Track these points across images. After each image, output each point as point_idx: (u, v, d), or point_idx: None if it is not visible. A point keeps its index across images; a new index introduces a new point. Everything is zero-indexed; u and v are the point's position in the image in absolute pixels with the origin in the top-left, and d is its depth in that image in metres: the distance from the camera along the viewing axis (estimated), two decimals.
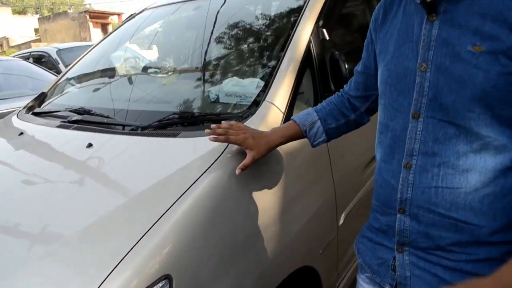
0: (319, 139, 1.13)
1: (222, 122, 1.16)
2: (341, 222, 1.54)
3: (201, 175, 1.10)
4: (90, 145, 1.38)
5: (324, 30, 1.56)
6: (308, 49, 1.48)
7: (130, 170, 1.24)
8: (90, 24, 21.03)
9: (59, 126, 1.62)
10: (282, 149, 1.25)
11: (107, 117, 1.55)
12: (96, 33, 20.98)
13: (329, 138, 1.15)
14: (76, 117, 1.62)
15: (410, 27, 0.87)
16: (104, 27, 21.69)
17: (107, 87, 1.98)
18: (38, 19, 25.33)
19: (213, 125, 1.13)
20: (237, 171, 1.11)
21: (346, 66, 1.47)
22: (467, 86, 0.77)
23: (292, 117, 1.17)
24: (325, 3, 1.63)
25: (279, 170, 1.27)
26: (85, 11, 21.73)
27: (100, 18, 21.87)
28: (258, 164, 1.15)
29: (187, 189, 1.06)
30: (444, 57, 0.80)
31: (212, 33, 1.84)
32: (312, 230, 1.38)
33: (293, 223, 1.29)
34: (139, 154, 1.31)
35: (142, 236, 0.95)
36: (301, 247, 1.34)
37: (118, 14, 22.02)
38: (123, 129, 1.46)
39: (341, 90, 1.16)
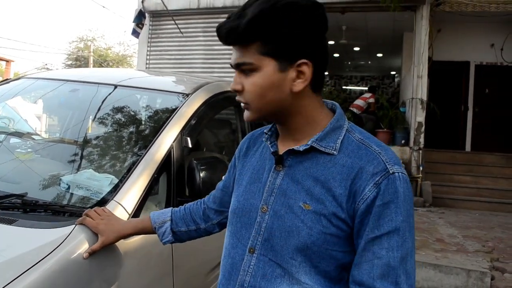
0: (166, 238, 1.20)
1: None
2: None
3: (25, 271, 1.06)
4: None
5: (188, 139, 1.69)
6: (168, 154, 1.58)
7: None
8: None
9: None
10: (123, 244, 1.28)
11: None
12: None
13: (177, 240, 1.22)
14: None
15: (262, 169, 0.97)
16: None
17: None
18: None
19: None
20: (85, 255, 1.15)
21: (201, 175, 1.59)
22: (293, 236, 0.86)
23: (151, 212, 1.23)
24: (194, 113, 1.78)
25: (117, 268, 1.27)
26: None
27: None
28: (96, 258, 1.18)
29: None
30: (281, 206, 0.90)
31: (84, 119, 1.87)
32: None
33: None
34: None
35: None
36: None
37: (7, 61, 20.44)
38: None
39: (202, 199, 1.25)
